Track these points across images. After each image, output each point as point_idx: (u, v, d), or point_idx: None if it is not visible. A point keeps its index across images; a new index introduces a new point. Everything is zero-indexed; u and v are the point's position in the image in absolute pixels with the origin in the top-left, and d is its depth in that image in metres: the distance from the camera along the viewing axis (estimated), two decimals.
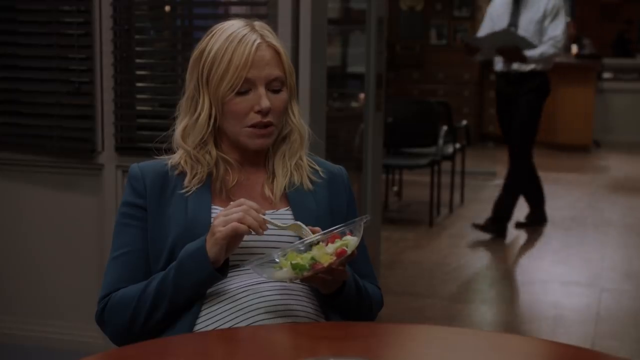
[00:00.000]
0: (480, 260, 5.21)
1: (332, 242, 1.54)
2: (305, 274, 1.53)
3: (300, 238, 1.63)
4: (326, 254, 1.53)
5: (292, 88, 1.75)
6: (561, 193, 7.07)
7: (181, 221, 1.67)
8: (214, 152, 1.73)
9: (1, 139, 3.29)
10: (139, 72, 3.16)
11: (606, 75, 10.28)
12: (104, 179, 3.18)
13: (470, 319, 4.18)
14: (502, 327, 4.03)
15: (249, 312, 1.59)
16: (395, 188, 6.75)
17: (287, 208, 1.73)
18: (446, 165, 6.28)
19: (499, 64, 5.57)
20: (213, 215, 1.66)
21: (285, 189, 1.75)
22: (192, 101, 1.73)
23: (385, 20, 4.14)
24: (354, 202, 1.86)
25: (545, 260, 5.20)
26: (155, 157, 1.79)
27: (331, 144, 3.62)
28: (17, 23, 3.23)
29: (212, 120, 1.71)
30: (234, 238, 1.57)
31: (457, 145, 6.41)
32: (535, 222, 5.95)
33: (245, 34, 1.68)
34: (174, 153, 1.76)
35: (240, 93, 1.68)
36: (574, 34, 10.62)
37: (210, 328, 1.59)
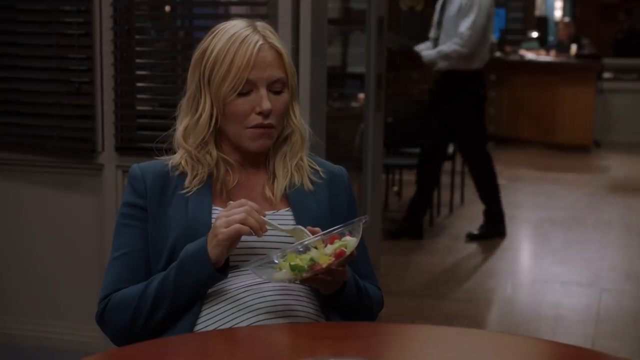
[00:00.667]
0: (480, 260, 5.21)
1: (332, 243, 1.54)
2: (304, 275, 1.53)
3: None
4: (325, 255, 1.53)
5: (293, 89, 1.75)
6: (561, 193, 7.07)
7: (181, 221, 1.67)
8: (214, 152, 1.73)
9: (1, 139, 3.29)
10: (139, 72, 3.16)
11: (606, 75, 10.28)
12: (104, 179, 3.18)
13: (470, 319, 4.18)
14: (502, 327, 4.03)
15: (249, 312, 1.59)
16: (395, 188, 6.75)
17: (287, 209, 1.73)
18: (446, 165, 6.28)
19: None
20: (213, 215, 1.66)
21: (285, 189, 1.75)
22: (193, 101, 1.73)
23: (385, 20, 4.14)
24: (355, 202, 1.86)
25: (545, 260, 5.20)
26: (156, 157, 1.79)
27: (331, 144, 3.62)
28: (17, 23, 3.23)
29: (213, 121, 1.71)
30: (236, 239, 1.57)
31: None
32: (490, 234, 5.60)
33: (248, 35, 1.68)
34: (175, 153, 1.77)
35: (241, 94, 1.68)
36: (572, 34, 10.63)
37: (210, 328, 1.59)
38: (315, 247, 1.54)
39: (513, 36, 11.09)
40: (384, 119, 4.25)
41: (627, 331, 3.95)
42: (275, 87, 1.70)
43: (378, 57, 4.01)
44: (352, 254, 1.55)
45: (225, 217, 1.56)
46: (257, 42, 1.67)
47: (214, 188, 1.73)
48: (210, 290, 1.62)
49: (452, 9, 5.36)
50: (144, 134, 3.13)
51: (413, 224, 5.55)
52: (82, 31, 3.10)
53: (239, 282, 1.63)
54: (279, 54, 1.70)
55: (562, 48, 10.35)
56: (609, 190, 7.30)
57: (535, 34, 11.41)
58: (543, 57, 10.19)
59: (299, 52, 2.95)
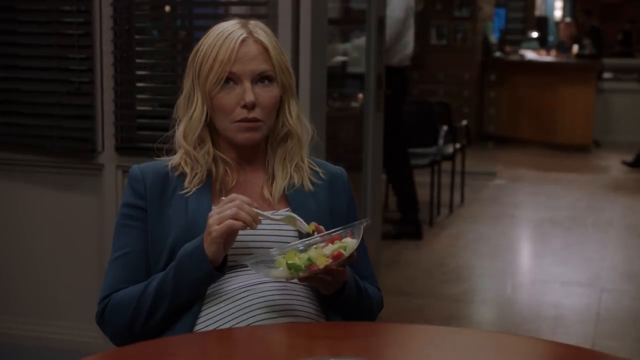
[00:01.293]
0: (480, 260, 5.21)
1: (332, 243, 1.55)
2: (301, 274, 1.53)
3: (298, 233, 1.63)
4: (323, 255, 1.53)
5: (285, 86, 1.74)
6: (561, 193, 7.07)
7: (181, 222, 1.67)
8: (211, 150, 1.73)
9: (1, 139, 3.29)
10: (139, 72, 3.16)
11: (606, 75, 10.28)
12: (104, 179, 3.18)
13: (470, 319, 4.18)
14: (502, 327, 4.03)
15: (249, 312, 1.60)
16: None
17: (287, 209, 1.73)
18: (446, 165, 6.28)
19: None
20: None
21: (284, 190, 1.75)
22: (188, 99, 1.74)
23: (385, 21, 4.14)
24: (354, 203, 1.86)
25: (545, 260, 5.20)
26: (156, 158, 1.79)
27: (331, 144, 3.62)
28: (17, 23, 3.23)
29: (204, 116, 1.72)
30: (230, 235, 1.57)
31: (457, 145, 6.41)
32: (405, 234, 5.53)
33: (233, 31, 1.69)
34: (175, 154, 1.77)
35: (226, 87, 1.68)
36: (574, 34, 10.63)
37: (210, 328, 1.60)
38: (316, 247, 1.54)
39: (513, 36, 11.10)
40: (384, 119, 4.24)
41: (627, 331, 3.95)
42: (261, 81, 1.70)
43: (378, 57, 4.01)
44: (352, 255, 1.55)
45: (217, 214, 1.57)
46: (240, 36, 1.68)
47: (214, 188, 1.73)
48: (209, 290, 1.62)
49: None
50: (144, 134, 3.13)
51: (410, 225, 5.55)
52: (82, 31, 3.10)
53: (239, 282, 1.63)
54: (264, 48, 1.70)
55: (562, 48, 10.35)
56: (609, 190, 7.29)
57: (535, 34, 11.42)
58: (543, 57, 10.19)
59: (299, 52, 2.95)
